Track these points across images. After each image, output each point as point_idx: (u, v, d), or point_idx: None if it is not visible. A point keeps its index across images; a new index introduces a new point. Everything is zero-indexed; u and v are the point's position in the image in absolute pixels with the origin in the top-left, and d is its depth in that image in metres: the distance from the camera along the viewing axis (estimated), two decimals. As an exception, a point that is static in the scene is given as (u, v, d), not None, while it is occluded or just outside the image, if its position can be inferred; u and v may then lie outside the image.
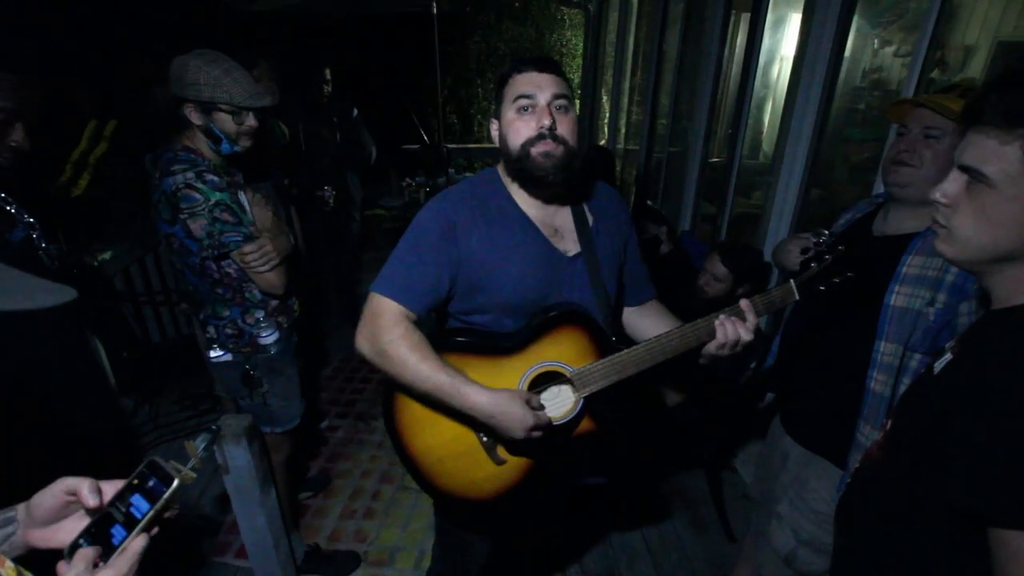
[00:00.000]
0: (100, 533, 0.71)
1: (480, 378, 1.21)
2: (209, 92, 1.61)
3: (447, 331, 1.34)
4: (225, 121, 1.66)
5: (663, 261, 2.97)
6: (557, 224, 1.30)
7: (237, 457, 1.62)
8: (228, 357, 1.87)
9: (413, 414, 1.30)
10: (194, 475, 0.74)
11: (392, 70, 7.10)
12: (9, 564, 0.66)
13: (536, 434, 1.18)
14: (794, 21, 3.65)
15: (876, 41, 3.32)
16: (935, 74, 2.54)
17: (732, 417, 2.44)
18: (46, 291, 0.60)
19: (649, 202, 4.45)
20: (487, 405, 1.15)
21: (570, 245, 1.30)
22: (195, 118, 1.65)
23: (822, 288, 1.19)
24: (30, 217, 1.45)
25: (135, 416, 3.00)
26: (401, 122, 5.26)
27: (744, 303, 1.20)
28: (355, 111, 3.69)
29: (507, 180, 1.29)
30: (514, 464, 1.30)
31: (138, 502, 0.72)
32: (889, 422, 0.93)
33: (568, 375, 1.25)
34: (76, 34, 3.80)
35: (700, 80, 3.48)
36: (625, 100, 5.29)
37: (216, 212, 1.62)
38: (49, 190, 2.92)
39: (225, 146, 1.69)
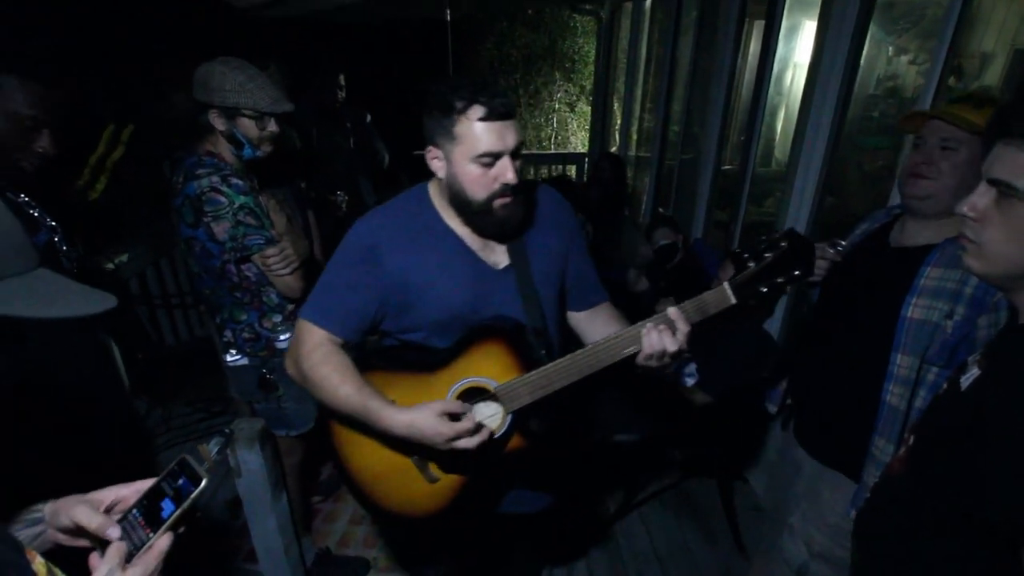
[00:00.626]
0: (131, 525, 0.73)
1: (408, 395, 1.21)
2: (234, 98, 1.64)
3: (376, 350, 1.33)
4: (248, 127, 1.69)
5: (676, 269, 2.96)
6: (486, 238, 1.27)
7: (250, 461, 1.63)
8: (245, 361, 1.89)
9: (348, 433, 1.31)
10: (209, 477, 0.75)
11: (405, 76, 7.14)
12: (40, 560, 0.67)
13: (464, 442, 1.12)
14: (808, 28, 3.63)
15: (891, 48, 3.30)
16: (951, 81, 2.52)
17: (694, 429, 2.41)
18: (86, 299, 0.62)
19: (661, 209, 4.43)
20: (402, 424, 1.13)
21: (500, 257, 1.27)
22: (219, 124, 1.68)
23: (764, 290, 1.09)
24: (52, 221, 1.47)
25: (148, 418, 3.03)
26: (413, 127, 5.29)
27: (672, 311, 1.12)
28: (368, 117, 3.72)
29: (439, 202, 1.25)
30: (448, 482, 1.28)
31: (166, 501, 0.74)
32: (912, 437, 0.92)
33: (492, 391, 1.20)
34: (94, 40, 3.87)
35: (713, 87, 3.47)
36: (637, 107, 5.28)
37: (240, 215, 1.65)
38: (67, 193, 2.97)
39: (247, 151, 1.72)
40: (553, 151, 8.32)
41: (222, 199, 1.63)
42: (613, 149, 5.76)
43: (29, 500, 0.80)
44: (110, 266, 3.00)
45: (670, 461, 2.43)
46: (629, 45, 5.18)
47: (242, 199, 1.66)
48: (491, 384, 1.21)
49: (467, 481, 1.29)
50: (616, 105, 5.85)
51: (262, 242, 1.69)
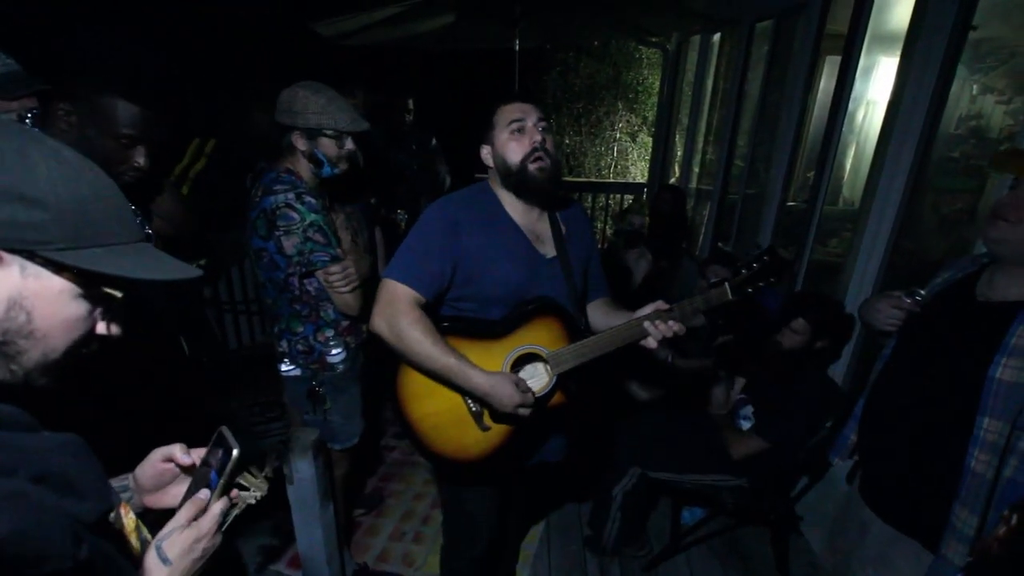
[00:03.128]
0: (189, 492, 0.82)
1: (473, 357, 1.42)
2: (316, 119, 1.73)
3: (445, 317, 1.53)
4: (328, 146, 1.78)
5: (733, 306, 2.87)
6: (539, 231, 1.54)
7: (302, 470, 1.67)
8: (297, 372, 1.95)
9: (413, 386, 1.51)
10: (239, 448, 0.80)
11: (472, 102, 7.33)
12: (131, 515, 0.77)
13: (522, 411, 1.40)
14: (884, 65, 3.51)
15: (975, 87, 3.13)
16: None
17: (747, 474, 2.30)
18: (180, 268, 0.72)
19: (720, 244, 4.33)
20: (485, 385, 1.38)
21: (548, 249, 1.55)
22: (300, 144, 1.77)
23: (750, 291, 1.45)
24: (149, 229, 1.58)
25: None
26: (476, 151, 5.40)
27: (660, 308, 1.46)
28: (433, 140, 3.83)
29: (500, 192, 1.52)
30: (497, 430, 1.51)
31: (213, 473, 0.81)
32: (1015, 516, 0.84)
33: (544, 356, 1.48)
34: (188, 61, 4.18)
35: (782, 123, 3.39)
36: (700, 139, 5.22)
37: (310, 232, 1.72)
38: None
39: (326, 169, 1.80)
40: (612, 180, 8.30)
41: (295, 215, 1.71)
42: (673, 180, 5.69)
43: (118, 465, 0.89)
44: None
45: (721, 506, 2.33)
46: (695, 78, 5.14)
47: (313, 216, 1.73)
48: (543, 351, 1.48)
49: (514, 429, 1.52)
50: (678, 137, 5.79)
51: (327, 259, 1.76)
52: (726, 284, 1.46)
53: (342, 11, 3.73)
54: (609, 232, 6.51)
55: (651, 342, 1.45)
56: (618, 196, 6.67)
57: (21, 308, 0.62)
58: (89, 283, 0.65)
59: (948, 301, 1.34)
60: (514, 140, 1.44)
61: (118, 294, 0.69)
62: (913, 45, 2.25)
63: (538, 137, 1.43)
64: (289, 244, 1.73)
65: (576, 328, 1.50)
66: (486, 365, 1.42)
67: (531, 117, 1.44)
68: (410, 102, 3.63)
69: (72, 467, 0.64)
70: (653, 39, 5.71)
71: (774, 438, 2.15)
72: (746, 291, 1.45)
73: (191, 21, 4.57)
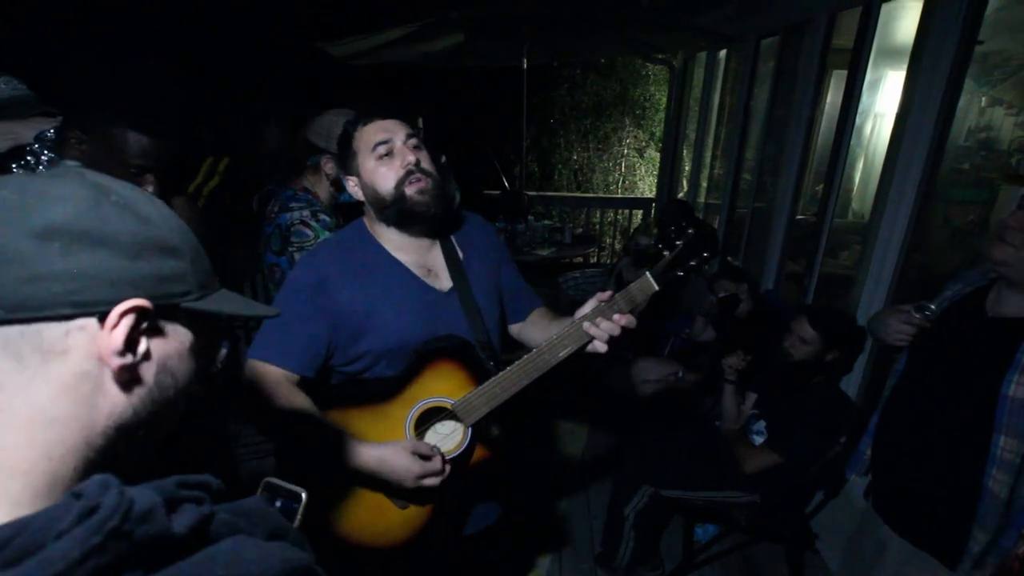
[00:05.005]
0: None
1: (366, 427, 1.22)
2: None
3: (328, 387, 1.32)
4: None
5: (744, 320, 2.86)
6: (429, 263, 1.33)
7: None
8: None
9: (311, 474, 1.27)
10: (305, 490, 0.75)
11: (479, 118, 7.42)
12: None
13: (429, 481, 1.17)
14: (891, 79, 3.52)
15: (984, 99, 3.13)
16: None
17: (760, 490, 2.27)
18: (261, 308, 0.69)
19: (729, 258, 4.32)
20: (373, 461, 1.16)
21: (444, 281, 1.33)
22: (328, 168, 1.81)
23: (680, 274, 1.19)
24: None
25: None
26: (484, 168, 5.46)
27: (602, 299, 1.19)
28: (443, 158, 3.87)
29: (377, 229, 1.32)
30: (419, 505, 1.29)
31: None
32: None
33: (450, 408, 1.24)
34: (200, 82, 4.27)
35: (789, 137, 3.40)
36: (708, 154, 5.24)
37: None
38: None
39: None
40: (620, 195, 8.33)
41: (309, 232, 1.75)
42: (680, 195, 5.71)
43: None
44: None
45: (734, 523, 2.30)
46: (702, 93, 5.18)
47: (326, 235, 1.76)
48: (448, 402, 1.24)
49: (438, 501, 1.30)
50: (686, 152, 5.82)
51: None
52: (647, 274, 1.19)
53: (353, 32, 3.81)
54: (618, 247, 6.52)
55: (599, 346, 1.18)
56: (626, 211, 6.70)
57: (167, 372, 0.54)
58: (211, 333, 0.59)
59: (958, 316, 1.32)
60: (383, 166, 1.23)
61: (226, 343, 0.64)
62: (919, 59, 2.26)
63: (411, 157, 1.23)
64: None
65: (481, 367, 1.26)
66: (386, 432, 1.22)
67: (398, 135, 1.24)
68: (420, 120, 3.68)
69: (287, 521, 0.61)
70: (659, 56, 5.77)
71: (787, 452, 2.13)
72: (675, 275, 1.19)
73: (202, 41, 4.68)
